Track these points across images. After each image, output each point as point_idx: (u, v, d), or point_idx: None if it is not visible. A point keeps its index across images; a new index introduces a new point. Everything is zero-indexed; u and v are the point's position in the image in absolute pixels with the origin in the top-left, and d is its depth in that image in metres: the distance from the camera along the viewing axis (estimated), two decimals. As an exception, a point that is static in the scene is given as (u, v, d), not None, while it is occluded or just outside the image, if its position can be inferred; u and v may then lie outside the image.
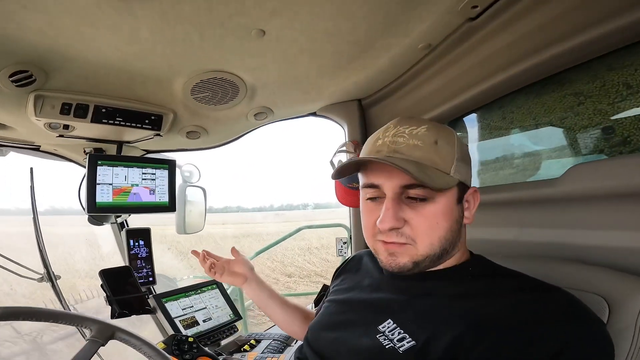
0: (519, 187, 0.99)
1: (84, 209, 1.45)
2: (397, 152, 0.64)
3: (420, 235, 0.64)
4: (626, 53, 0.78)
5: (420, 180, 0.59)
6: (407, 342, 0.61)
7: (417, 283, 0.69)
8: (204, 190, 1.88)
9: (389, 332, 0.64)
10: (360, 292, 0.79)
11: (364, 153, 0.71)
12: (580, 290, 0.68)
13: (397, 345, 0.61)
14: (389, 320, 0.66)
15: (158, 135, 1.42)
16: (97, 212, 1.43)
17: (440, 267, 0.69)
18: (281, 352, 1.29)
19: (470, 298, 0.63)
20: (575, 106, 0.91)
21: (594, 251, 0.79)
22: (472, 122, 1.28)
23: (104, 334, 0.69)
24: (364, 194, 0.71)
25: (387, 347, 0.62)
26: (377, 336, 0.65)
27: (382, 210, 0.64)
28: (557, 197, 0.86)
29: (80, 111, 1.22)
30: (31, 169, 1.67)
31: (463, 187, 0.67)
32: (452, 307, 0.62)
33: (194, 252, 1.17)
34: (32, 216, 1.65)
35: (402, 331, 0.63)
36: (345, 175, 0.74)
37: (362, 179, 0.71)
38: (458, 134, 1.25)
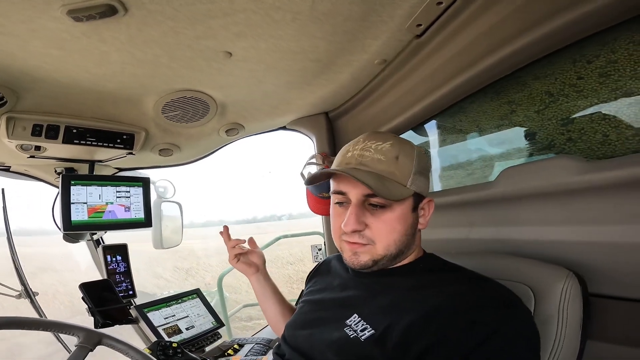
0: (465, 190, 1.09)
1: (59, 228, 1.46)
2: (362, 164, 0.73)
3: (378, 237, 0.73)
4: (547, 63, 0.87)
5: (378, 192, 0.68)
6: (368, 332, 0.69)
7: (378, 279, 0.78)
8: (179, 205, 1.90)
9: (354, 325, 0.72)
10: (331, 292, 0.87)
11: (335, 163, 0.80)
12: (511, 280, 0.76)
13: (360, 335, 0.69)
14: (355, 314, 0.74)
15: (131, 154, 1.44)
16: (72, 230, 1.44)
17: (398, 265, 0.78)
18: (264, 355, 1.34)
19: (421, 289, 0.71)
20: (508, 114, 1.01)
21: (526, 245, 0.88)
22: (431, 130, 1.38)
23: (92, 340, 0.74)
24: (333, 198, 0.80)
25: (351, 337, 0.70)
26: (345, 329, 0.73)
27: (347, 215, 0.73)
28: (495, 198, 0.96)
29: (52, 132, 1.24)
30: (2, 190, 1.66)
31: (419, 197, 0.76)
32: (407, 299, 0.71)
33: (225, 228, 1.10)
34: (6, 236, 1.64)
35: (364, 323, 0.71)
36: (318, 182, 0.82)
37: (332, 185, 0.79)
38: (421, 141, 1.35)
